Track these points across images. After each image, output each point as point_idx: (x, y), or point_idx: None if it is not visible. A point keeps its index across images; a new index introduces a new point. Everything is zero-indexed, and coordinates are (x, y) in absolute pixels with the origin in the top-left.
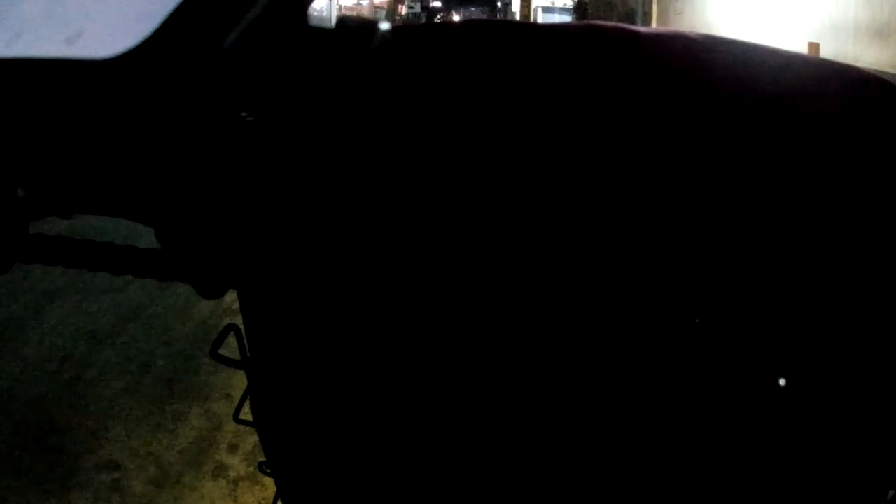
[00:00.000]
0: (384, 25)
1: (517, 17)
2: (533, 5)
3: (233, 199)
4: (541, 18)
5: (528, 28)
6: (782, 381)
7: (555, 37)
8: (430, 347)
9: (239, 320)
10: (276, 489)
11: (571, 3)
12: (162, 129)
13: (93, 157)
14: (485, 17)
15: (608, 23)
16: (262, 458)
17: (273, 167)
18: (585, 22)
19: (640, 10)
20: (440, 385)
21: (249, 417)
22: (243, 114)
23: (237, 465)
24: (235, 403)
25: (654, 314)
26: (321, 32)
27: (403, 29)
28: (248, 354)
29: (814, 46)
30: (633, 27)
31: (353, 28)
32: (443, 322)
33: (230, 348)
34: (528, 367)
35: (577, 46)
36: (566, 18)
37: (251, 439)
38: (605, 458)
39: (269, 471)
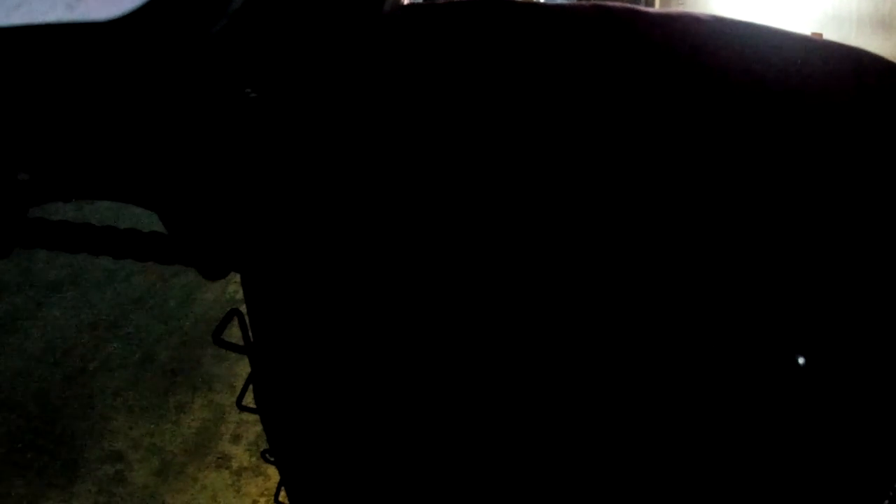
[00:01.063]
0: None
1: None
2: None
3: (236, 179)
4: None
5: (537, 7)
6: (801, 360)
7: (563, 17)
8: (435, 332)
9: (242, 309)
10: (279, 478)
11: None
12: (165, 95)
13: (95, 128)
14: None
15: (616, 3)
16: (265, 448)
17: (277, 146)
18: (594, 3)
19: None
20: (444, 369)
21: (252, 404)
22: (247, 90)
23: (240, 455)
24: (238, 394)
25: (668, 295)
26: None
27: (415, 6)
28: (252, 339)
29: (817, 36)
30: (641, 8)
31: None
32: (450, 307)
33: (233, 337)
34: (533, 351)
35: (586, 27)
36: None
37: (254, 430)
38: (617, 444)
39: (272, 458)
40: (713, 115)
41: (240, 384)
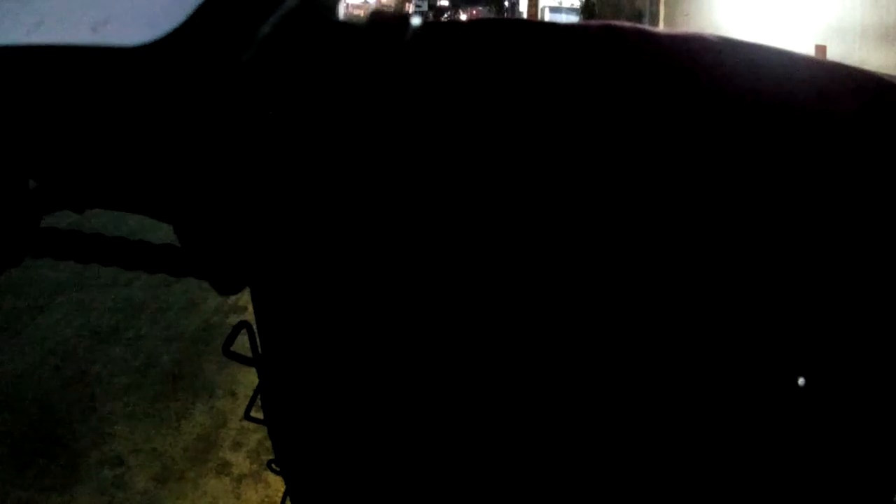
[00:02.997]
0: (416, 20)
1: (524, 16)
2: (540, 5)
3: (253, 195)
4: (548, 18)
5: (548, 27)
6: (801, 381)
7: (574, 36)
8: (446, 345)
9: (242, 318)
10: (283, 488)
11: (578, 4)
12: (191, 121)
13: (113, 149)
14: (492, 16)
15: (626, 23)
16: (266, 456)
17: (295, 164)
18: (604, 22)
19: (647, 11)
20: (455, 384)
21: (259, 415)
22: (269, 111)
23: (241, 462)
24: (240, 401)
25: (666, 310)
26: (351, 27)
27: (433, 25)
28: (260, 352)
29: (821, 48)
30: (650, 28)
31: (385, 23)
32: (461, 320)
33: (239, 346)
34: (534, 365)
35: (595, 46)
36: (573, 18)
37: (255, 437)
38: (613, 458)
39: (278, 469)
40: (718, 133)
41: (241, 391)
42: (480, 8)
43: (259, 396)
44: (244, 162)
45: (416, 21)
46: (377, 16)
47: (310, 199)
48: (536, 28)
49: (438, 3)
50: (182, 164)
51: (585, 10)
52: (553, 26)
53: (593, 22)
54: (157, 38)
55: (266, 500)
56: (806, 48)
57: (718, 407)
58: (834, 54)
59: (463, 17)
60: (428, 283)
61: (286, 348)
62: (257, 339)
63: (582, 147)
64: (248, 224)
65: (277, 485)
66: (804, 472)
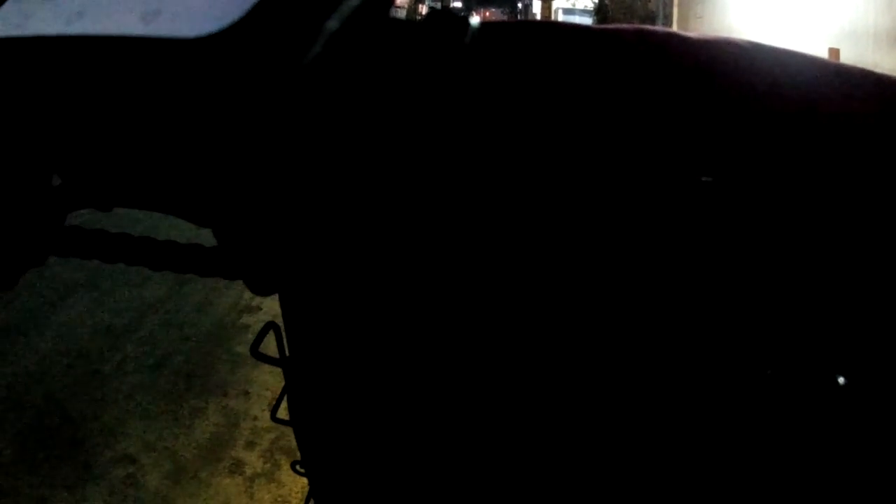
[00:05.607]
0: (474, 21)
1: (538, 17)
2: (553, 7)
3: (299, 196)
4: (561, 20)
5: (581, 30)
6: (841, 380)
7: (605, 40)
8: (480, 351)
9: (256, 318)
10: (296, 488)
11: (592, 6)
12: (248, 121)
13: (158, 147)
14: (505, 17)
15: (657, 28)
16: (280, 455)
17: (347, 161)
18: (635, 26)
19: (660, 14)
20: (486, 388)
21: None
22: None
23: (254, 461)
24: (253, 400)
25: (705, 309)
26: (408, 26)
27: (487, 26)
28: (287, 353)
29: (834, 52)
30: (679, 32)
31: (444, 22)
32: (492, 328)
33: (242, 343)
34: (558, 366)
35: (625, 50)
36: (586, 20)
37: (268, 436)
38: (649, 459)
39: (302, 471)
40: (744, 137)
41: (255, 391)
42: (493, 9)
43: (285, 398)
44: (294, 161)
45: (475, 22)
46: (436, 15)
47: (355, 199)
48: (570, 30)
49: (451, 4)
50: (233, 166)
51: (599, 13)
52: (589, 31)
53: (626, 26)
54: (211, 32)
55: (279, 499)
56: (819, 51)
57: (757, 406)
58: (847, 57)
59: (475, 18)
60: (470, 291)
61: (314, 350)
62: (284, 341)
63: (620, 146)
64: (288, 225)
65: (291, 484)
66: (845, 473)
